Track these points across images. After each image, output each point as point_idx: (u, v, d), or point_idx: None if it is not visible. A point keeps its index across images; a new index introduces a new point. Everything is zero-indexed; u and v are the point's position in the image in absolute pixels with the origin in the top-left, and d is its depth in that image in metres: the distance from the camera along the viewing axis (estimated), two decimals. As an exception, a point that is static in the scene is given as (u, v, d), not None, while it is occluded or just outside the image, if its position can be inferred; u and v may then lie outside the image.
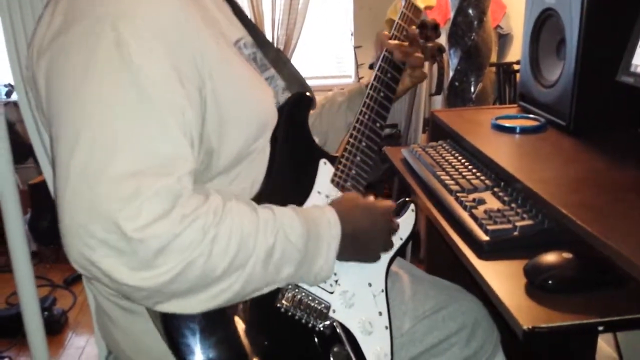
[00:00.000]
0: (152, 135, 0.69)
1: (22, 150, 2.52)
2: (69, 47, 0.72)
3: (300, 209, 0.84)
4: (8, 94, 2.82)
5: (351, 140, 1.00)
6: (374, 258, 0.93)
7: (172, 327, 0.77)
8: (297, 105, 0.94)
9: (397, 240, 0.99)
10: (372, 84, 1.06)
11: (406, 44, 1.11)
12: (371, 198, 0.93)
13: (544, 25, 1.37)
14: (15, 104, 2.31)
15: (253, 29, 0.97)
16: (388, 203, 0.93)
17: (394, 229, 0.95)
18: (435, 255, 1.59)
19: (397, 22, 1.13)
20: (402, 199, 1.03)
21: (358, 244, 0.88)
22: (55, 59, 0.73)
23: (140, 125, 0.69)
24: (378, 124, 1.04)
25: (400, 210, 1.01)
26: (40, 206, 2.74)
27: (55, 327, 2.29)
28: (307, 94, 0.95)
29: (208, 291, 0.73)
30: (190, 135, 0.74)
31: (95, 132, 0.67)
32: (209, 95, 0.77)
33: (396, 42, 1.10)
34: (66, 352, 2.20)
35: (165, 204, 0.67)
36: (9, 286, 2.52)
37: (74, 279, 2.62)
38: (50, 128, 0.73)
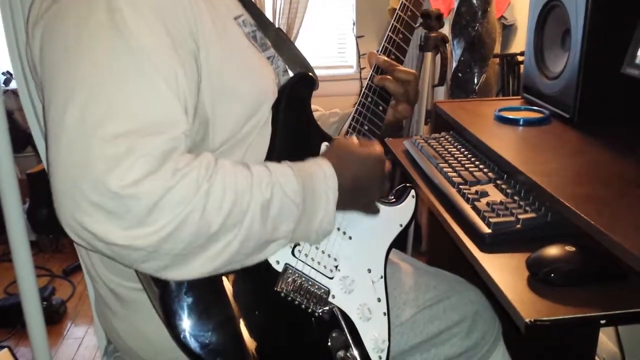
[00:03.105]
0: (144, 98, 0.69)
1: (20, 139, 2.52)
2: (62, 13, 0.72)
3: (295, 163, 0.83)
4: (6, 82, 2.80)
5: (353, 123, 0.99)
6: (371, 207, 0.93)
7: (170, 311, 0.77)
8: (299, 86, 0.93)
9: (397, 227, 0.98)
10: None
11: (396, 64, 1.05)
12: (364, 143, 0.92)
13: (548, 16, 1.36)
14: (14, 92, 2.30)
15: (253, 9, 0.96)
16: (380, 147, 0.92)
17: (388, 173, 0.94)
18: (437, 247, 1.59)
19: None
20: (403, 185, 1.02)
21: (355, 194, 0.88)
22: (48, 27, 0.73)
23: (132, 88, 0.68)
24: (381, 107, 1.03)
25: (400, 196, 1.01)
26: (39, 195, 2.74)
27: (54, 317, 2.29)
28: (310, 74, 0.94)
29: (206, 252, 0.72)
30: (184, 101, 0.73)
31: (86, 95, 0.67)
32: (204, 64, 0.77)
33: (384, 77, 1.04)
34: (65, 342, 2.21)
35: (157, 160, 0.67)
36: (8, 275, 2.53)
37: (73, 269, 2.62)
38: (42, 94, 0.73)
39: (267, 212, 0.76)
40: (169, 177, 0.67)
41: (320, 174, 0.83)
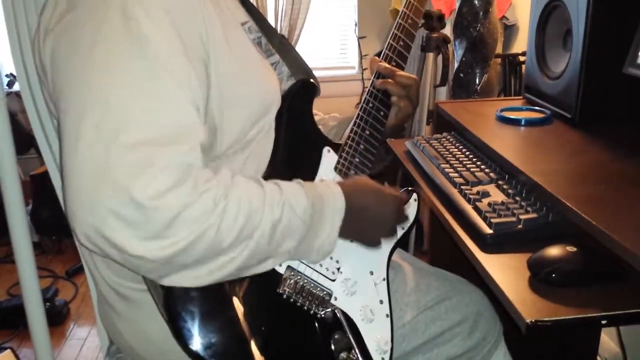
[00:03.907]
0: (161, 105, 0.69)
1: (24, 141, 2.52)
2: (75, 22, 0.72)
3: (306, 183, 0.84)
4: (10, 84, 2.81)
5: (355, 128, 1.00)
6: (376, 242, 0.93)
7: (174, 312, 0.78)
8: (300, 93, 0.94)
9: (399, 230, 0.98)
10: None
11: (397, 70, 1.06)
12: (383, 186, 0.92)
13: (550, 16, 1.35)
14: (17, 94, 2.32)
15: (257, 15, 0.97)
16: (399, 192, 0.93)
17: (402, 217, 0.94)
18: (438, 247, 1.59)
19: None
20: (405, 188, 1.03)
21: (362, 223, 0.88)
22: (61, 36, 0.73)
23: (148, 95, 0.69)
24: (382, 113, 1.03)
25: None
26: (42, 197, 2.74)
27: (57, 318, 2.29)
28: (312, 80, 0.95)
29: (213, 263, 0.73)
30: (197, 107, 0.74)
31: (103, 103, 0.67)
32: (213, 71, 0.78)
33: (386, 80, 1.06)
34: (68, 343, 2.21)
35: (178, 173, 0.67)
36: (11, 277, 2.54)
37: (76, 270, 2.63)
38: (57, 104, 0.73)
39: (276, 230, 0.77)
40: (189, 193, 0.68)
41: (330, 197, 0.83)
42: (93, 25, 0.70)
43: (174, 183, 0.67)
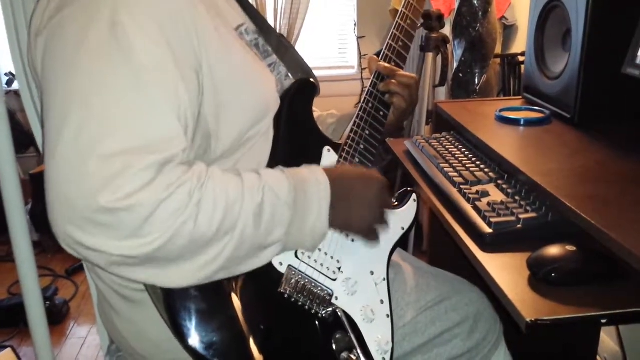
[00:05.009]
0: (143, 115, 0.69)
1: (23, 140, 2.53)
2: (64, 23, 0.72)
3: (288, 168, 0.83)
4: (9, 83, 2.81)
5: (354, 128, 1.00)
6: (367, 228, 0.91)
7: (174, 311, 0.77)
8: (300, 92, 0.94)
9: (399, 230, 0.99)
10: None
11: (397, 70, 1.07)
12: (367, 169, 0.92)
13: (549, 16, 1.36)
14: (16, 92, 2.31)
15: (255, 15, 0.96)
16: (382, 177, 0.92)
17: (388, 202, 0.93)
18: (438, 247, 1.59)
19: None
20: (404, 189, 1.03)
21: (349, 206, 0.86)
22: (51, 37, 0.73)
23: (131, 104, 0.68)
24: (382, 113, 1.04)
25: (402, 200, 1.01)
26: (42, 196, 2.73)
27: (57, 317, 2.30)
28: (311, 80, 0.95)
29: (199, 259, 0.72)
30: (185, 117, 0.73)
31: (84, 111, 0.67)
32: (206, 78, 0.77)
33: (389, 81, 1.06)
34: (68, 341, 2.21)
35: (150, 174, 0.67)
36: (11, 276, 2.54)
37: (76, 269, 2.63)
38: (42, 106, 0.73)
39: (260, 217, 0.76)
40: (161, 190, 0.67)
41: (313, 179, 0.83)
42: (80, 28, 0.70)
43: (146, 182, 0.66)
